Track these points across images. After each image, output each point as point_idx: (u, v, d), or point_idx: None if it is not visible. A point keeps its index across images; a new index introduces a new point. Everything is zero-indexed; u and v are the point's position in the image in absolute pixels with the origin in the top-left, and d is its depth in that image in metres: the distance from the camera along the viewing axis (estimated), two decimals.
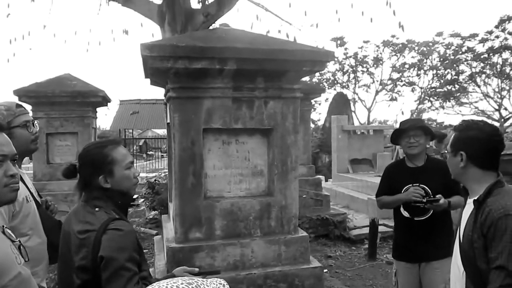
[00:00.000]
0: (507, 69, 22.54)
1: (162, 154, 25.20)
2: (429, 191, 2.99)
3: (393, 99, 27.04)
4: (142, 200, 9.31)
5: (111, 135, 20.54)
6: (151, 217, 8.12)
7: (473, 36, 22.56)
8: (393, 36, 24.46)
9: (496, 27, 21.47)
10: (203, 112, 3.12)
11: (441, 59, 24.15)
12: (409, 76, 25.93)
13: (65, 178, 1.93)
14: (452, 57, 23.41)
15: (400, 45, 24.67)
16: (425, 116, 28.09)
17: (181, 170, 3.11)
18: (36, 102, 6.88)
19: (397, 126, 3.27)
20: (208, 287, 1.31)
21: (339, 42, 25.09)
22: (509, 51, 21.51)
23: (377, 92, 27.07)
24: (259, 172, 3.36)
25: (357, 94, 27.39)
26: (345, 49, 25.49)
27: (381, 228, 6.40)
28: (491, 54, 22.09)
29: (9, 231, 1.54)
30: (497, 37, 21.68)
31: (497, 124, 20.71)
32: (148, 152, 27.99)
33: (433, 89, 25.40)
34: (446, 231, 3.06)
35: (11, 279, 1.36)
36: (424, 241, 3.03)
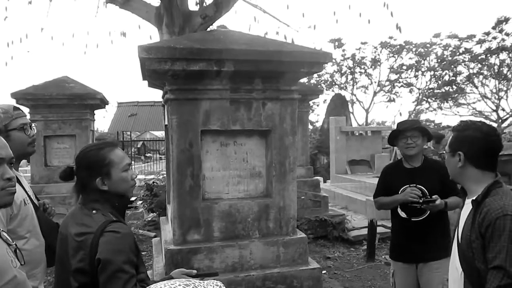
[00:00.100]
0: (505, 70, 22.59)
1: (160, 156, 25.18)
2: (426, 191, 3.00)
3: (391, 100, 27.09)
4: (141, 202, 9.29)
5: (109, 137, 20.54)
6: (149, 219, 8.11)
7: (471, 37, 22.62)
8: (390, 38, 24.52)
9: (493, 28, 21.52)
10: (201, 114, 3.12)
11: (439, 60, 24.21)
12: (407, 77, 25.98)
13: (62, 181, 1.92)
14: (450, 58, 23.46)
15: (398, 47, 24.72)
16: (423, 117, 28.15)
17: (179, 172, 3.11)
18: (33, 104, 6.88)
19: (395, 127, 3.28)
20: None
21: (337, 43, 25.14)
22: (507, 52, 21.56)
23: (375, 93, 27.11)
24: (257, 173, 3.36)
25: (355, 95, 27.43)
26: (343, 50, 25.54)
27: (379, 229, 6.40)
28: (488, 55, 22.14)
29: (6, 235, 1.53)
30: (494, 38, 21.73)
31: (495, 124, 20.75)
32: (146, 154, 27.97)
33: (431, 90, 25.45)
34: (443, 231, 3.07)
35: (6, 282, 1.36)
36: (421, 241, 3.03)
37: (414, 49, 24.73)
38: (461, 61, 23.38)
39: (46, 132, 6.95)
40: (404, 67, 25.45)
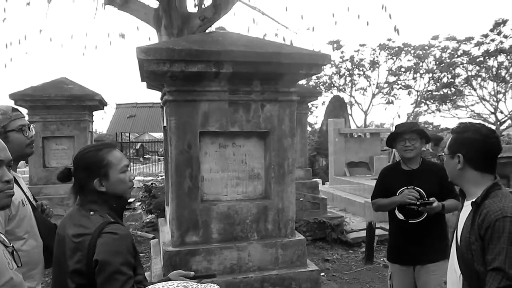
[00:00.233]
0: (503, 72, 22.61)
1: (159, 157, 25.14)
2: (424, 193, 3.01)
3: (389, 102, 27.09)
4: (139, 203, 9.27)
5: (107, 138, 20.54)
6: (147, 220, 8.10)
7: (469, 39, 22.65)
8: (389, 40, 24.54)
9: (492, 30, 21.55)
10: (199, 115, 3.12)
11: (437, 63, 24.23)
12: (405, 79, 25.99)
13: (60, 182, 1.92)
14: (448, 60, 23.48)
15: (396, 49, 24.74)
16: (421, 119, 28.17)
17: (178, 173, 3.11)
18: (32, 106, 6.87)
19: (394, 129, 3.29)
20: None
21: (335, 45, 25.14)
22: (505, 54, 21.60)
23: (373, 95, 27.12)
24: (256, 175, 3.36)
25: (353, 97, 27.42)
26: (342, 52, 25.54)
27: (378, 231, 6.40)
28: (486, 58, 22.16)
29: (3, 236, 1.53)
30: (492, 40, 21.76)
31: (493, 127, 20.77)
32: (144, 156, 27.93)
33: (429, 92, 25.47)
34: (441, 234, 3.08)
35: (3, 284, 1.35)
36: (418, 243, 3.03)
37: (412, 51, 24.76)
38: (459, 63, 23.41)
39: (44, 133, 6.94)
40: (403, 69, 25.46)
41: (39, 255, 2.18)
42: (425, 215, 3.00)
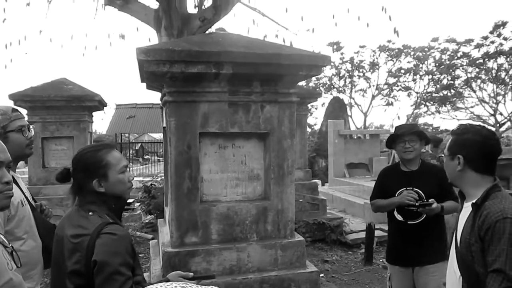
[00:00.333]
0: (502, 74, 22.62)
1: (158, 158, 25.13)
2: (423, 195, 3.01)
3: (389, 103, 27.10)
4: (138, 204, 9.26)
5: (107, 139, 20.53)
6: (147, 221, 8.10)
7: (469, 41, 22.67)
8: (389, 41, 24.56)
9: (491, 32, 21.57)
10: (199, 116, 3.12)
11: (437, 64, 24.25)
12: (405, 81, 26.00)
13: (59, 182, 1.91)
14: (448, 62, 23.49)
15: (396, 50, 24.76)
16: (421, 120, 28.17)
17: (177, 174, 3.10)
18: (31, 106, 6.87)
19: (393, 131, 3.29)
20: None
21: (335, 47, 25.16)
22: (504, 56, 21.61)
23: (373, 97, 27.13)
24: (256, 176, 3.36)
25: (353, 98, 27.43)
26: (342, 54, 25.56)
27: (377, 233, 6.39)
28: (486, 60, 22.17)
29: (2, 237, 1.53)
30: (492, 42, 21.78)
31: (492, 129, 20.76)
32: (144, 156, 27.93)
33: (429, 94, 25.48)
34: (440, 235, 3.08)
35: (2, 285, 1.35)
36: (417, 244, 3.03)
37: (412, 53, 24.79)
38: (459, 65, 23.43)
39: (44, 134, 6.94)
40: (402, 71, 25.48)
41: (38, 255, 2.18)
42: (424, 216, 3.00)
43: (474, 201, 1.80)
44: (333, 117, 15.08)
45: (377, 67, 25.84)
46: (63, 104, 6.92)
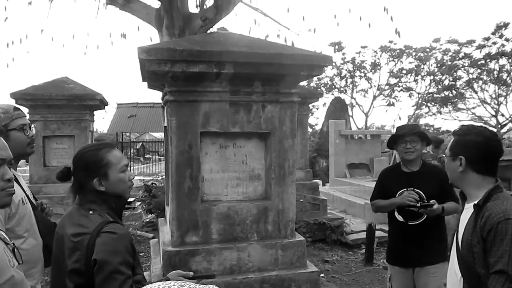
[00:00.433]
0: (504, 76, 22.60)
1: (159, 157, 25.15)
2: (424, 195, 3.00)
3: (390, 104, 27.10)
4: (139, 203, 9.27)
5: (108, 138, 20.54)
6: (147, 220, 8.10)
7: (470, 42, 22.66)
8: (390, 42, 24.56)
9: (493, 33, 21.55)
10: (200, 116, 3.12)
11: (439, 65, 24.23)
12: (407, 81, 26.00)
13: (59, 181, 1.92)
14: (449, 63, 23.48)
15: (398, 51, 24.76)
16: (422, 121, 28.14)
17: (178, 173, 3.10)
18: (33, 105, 6.87)
19: (394, 131, 3.29)
20: None
21: (337, 47, 25.17)
22: (506, 57, 21.58)
23: (374, 97, 27.13)
24: (256, 176, 3.35)
25: (354, 99, 27.44)
26: (343, 54, 25.57)
27: (378, 233, 6.39)
28: (488, 60, 22.15)
29: (3, 234, 1.53)
30: (494, 43, 21.76)
31: (494, 130, 20.72)
32: (145, 156, 27.93)
33: (431, 95, 25.46)
34: (440, 236, 3.07)
35: (4, 282, 1.35)
36: (418, 245, 3.03)
37: (414, 54, 24.78)
38: (460, 66, 23.41)
39: (45, 133, 6.94)
40: (404, 72, 25.47)
41: (38, 253, 2.19)
42: (425, 217, 3.00)
43: (475, 202, 1.80)
44: (334, 117, 15.09)
45: (378, 67, 25.84)
46: (64, 103, 6.92)
